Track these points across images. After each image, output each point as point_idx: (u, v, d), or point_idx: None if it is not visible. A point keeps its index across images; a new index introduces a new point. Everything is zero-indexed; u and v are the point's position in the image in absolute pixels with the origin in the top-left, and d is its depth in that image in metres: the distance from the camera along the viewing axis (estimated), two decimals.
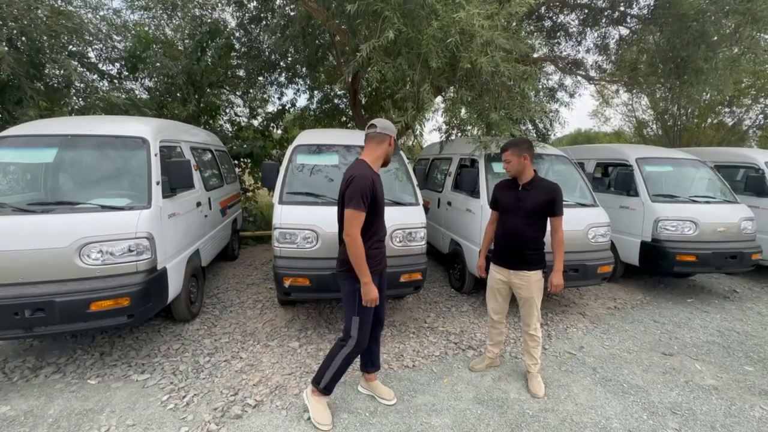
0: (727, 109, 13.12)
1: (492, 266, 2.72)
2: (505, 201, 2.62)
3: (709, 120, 13.67)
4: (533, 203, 2.47)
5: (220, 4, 7.07)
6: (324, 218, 3.09)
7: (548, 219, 2.52)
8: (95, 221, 2.62)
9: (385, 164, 2.28)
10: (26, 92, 4.48)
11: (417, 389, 2.66)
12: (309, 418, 2.27)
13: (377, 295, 2.11)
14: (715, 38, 5.27)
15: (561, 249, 2.50)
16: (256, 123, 8.52)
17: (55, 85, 5.42)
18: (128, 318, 2.62)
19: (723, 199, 4.69)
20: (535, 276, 2.54)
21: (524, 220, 2.50)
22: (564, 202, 2.52)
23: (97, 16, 5.85)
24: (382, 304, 2.36)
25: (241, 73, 8.44)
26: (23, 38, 4.76)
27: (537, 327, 2.64)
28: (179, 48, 6.84)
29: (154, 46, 6.56)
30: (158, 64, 6.21)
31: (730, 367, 3.06)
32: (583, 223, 3.79)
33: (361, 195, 1.99)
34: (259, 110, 8.73)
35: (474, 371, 2.90)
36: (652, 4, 6.21)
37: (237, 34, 7.72)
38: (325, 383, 2.25)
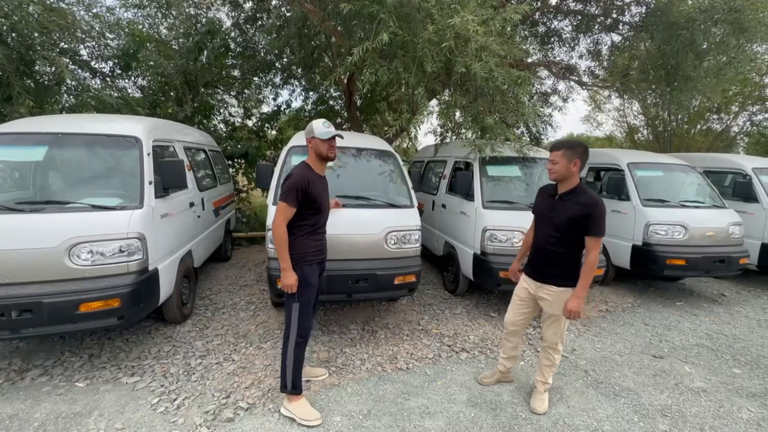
0: (715, 116, 13.42)
1: (522, 275, 2.54)
2: (540, 208, 2.43)
3: (699, 126, 13.95)
4: (564, 216, 2.22)
5: (215, 4, 7.04)
6: None
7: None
8: (85, 221, 2.58)
9: (325, 159, 2.35)
10: (15, 89, 4.41)
11: (410, 392, 2.65)
12: (300, 424, 2.26)
13: (295, 281, 2.20)
14: (704, 46, 5.39)
15: (589, 273, 2.16)
16: (250, 123, 8.48)
17: (46, 82, 5.33)
18: (118, 320, 2.57)
19: (712, 204, 4.77)
20: (564, 294, 2.28)
21: (553, 233, 2.28)
22: None
23: (90, 14, 5.78)
24: (316, 303, 2.46)
25: (236, 73, 8.40)
26: (13, 34, 4.68)
27: (557, 346, 2.43)
28: (174, 47, 6.78)
29: (148, 44, 6.50)
30: (152, 63, 6.15)
31: (718, 370, 3.11)
32: None
33: (295, 191, 2.16)
34: (254, 111, 8.69)
35: (482, 384, 2.75)
36: (643, 12, 6.33)
37: (232, 34, 7.69)
38: (290, 382, 2.31)
